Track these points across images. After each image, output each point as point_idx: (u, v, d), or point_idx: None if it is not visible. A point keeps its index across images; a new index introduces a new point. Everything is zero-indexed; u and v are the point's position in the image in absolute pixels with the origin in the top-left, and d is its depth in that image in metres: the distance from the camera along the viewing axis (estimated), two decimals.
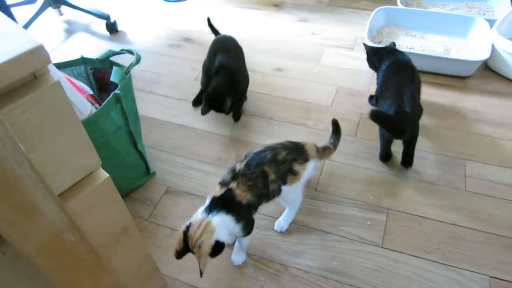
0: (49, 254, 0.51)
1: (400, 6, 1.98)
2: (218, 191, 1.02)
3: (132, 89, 1.30)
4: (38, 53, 0.45)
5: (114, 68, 1.23)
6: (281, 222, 1.21)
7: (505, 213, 1.20)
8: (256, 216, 1.11)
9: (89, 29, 2.27)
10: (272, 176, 1.06)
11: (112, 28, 2.18)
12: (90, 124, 1.09)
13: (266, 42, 2.02)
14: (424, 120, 1.52)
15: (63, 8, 2.40)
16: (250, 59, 1.89)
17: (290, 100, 1.66)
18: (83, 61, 1.36)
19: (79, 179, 0.57)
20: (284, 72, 1.81)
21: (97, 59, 1.33)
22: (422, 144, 1.43)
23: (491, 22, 1.76)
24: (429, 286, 1.05)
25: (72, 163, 0.56)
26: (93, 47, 2.11)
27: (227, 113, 1.50)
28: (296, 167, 1.09)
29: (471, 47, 1.79)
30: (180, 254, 0.97)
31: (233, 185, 1.01)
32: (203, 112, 1.48)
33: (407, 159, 1.35)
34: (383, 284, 1.06)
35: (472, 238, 1.15)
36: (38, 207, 0.45)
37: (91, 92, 1.21)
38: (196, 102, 1.67)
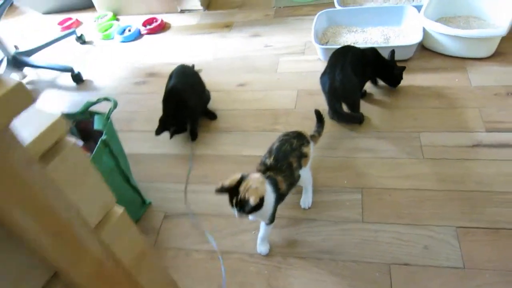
0: (95, 279, 0.64)
1: (338, 7, 2.18)
2: (259, 177, 1.14)
3: (115, 131, 1.43)
4: (60, 123, 0.59)
5: (96, 116, 1.35)
6: (305, 200, 1.39)
7: (460, 170, 1.40)
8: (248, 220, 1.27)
9: (55, 84, 2.37)
10: (295, 164, 1.24)
11: (78, 78, 2.28)
12: None
13: (225, 62, 2.18)
14: (379, 103, 1.72)
15: (26, 69, 2.48)
16: (214, 80, 2.06)
17: (258, 110, 1.82)
18: (64, 117, 1.47)
19: (103, 215, 0.71)
20: (247, 86, 1.97)
21: (77, 113, 1.45)
22: (380, 126, 1.62)
23: (419, 8, 1.98)
24: (407, 246, 1.22)
25: (96, 203, 0.70)
26: (64, 100, 2.22)
27: (171, 136, 1.69)
28: (305, 149, 1.29)
29: (406, 33, 2.01)
30: (221, 191, 1.11)
31: (271, 173, 1.19)
32: (157, 133, 1.68)
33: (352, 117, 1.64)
34: (369, 253, 1.23)
35: (436, 197, 1.33)
36: (84, 242, 0.59)
37: (81, 143, 1.33)
38: (158, 130, 1.74)
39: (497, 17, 1.90)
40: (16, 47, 2.57)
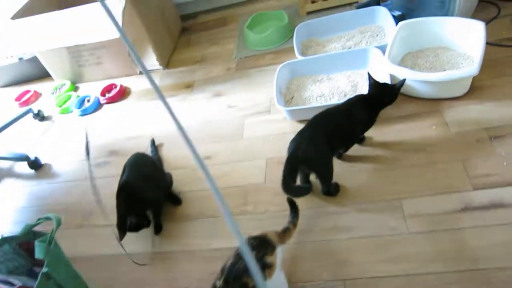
0: None
1: (299, 57, 2.06)
2: None
3: (62, 254, 1.27)
4: None
5: (36, 243, 1.20)
6: None
7: (451, 245, 1.24)
8: None
9: (12, 173, 2.21)
10: (251, 284, 1.05)
11: (35, 165, 2.13)
12: None
13: (189, 130, 1.99)
14: (354, 166, 1.58)
15: None
16: (177, 155, 1.91)
17: (226, 188, 1.67)
18: (4, 240, 1.32)
19: None
20: (212, 159, 1.82)
21: (19, 235, 1.30)
22: (358, 195, 1.47)
23: (383, 47, 1.86)
24: None
25: None
26: (23, 192, 2.06)
27: (125, 232, 1.50)
28: (269, 259, 1.10)
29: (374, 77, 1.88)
30: None
31: None
32: (121, 238, 1.48)
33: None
34: None
35: (427, 283, 1.17)
36: None
37: (19, 284, 1.17)
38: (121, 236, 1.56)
39: (467, 45, 1.78)
40: None
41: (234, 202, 1.60)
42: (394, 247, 1.29)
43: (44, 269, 1.13)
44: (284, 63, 2.01)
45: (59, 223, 1.26)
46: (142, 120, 2.24)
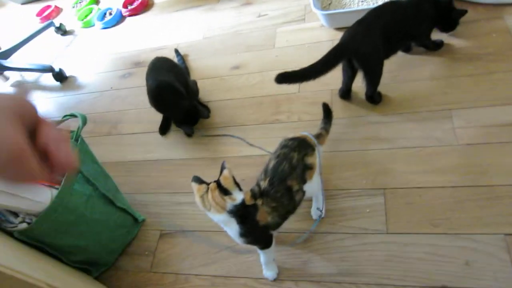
0: None
1: None
2: (248, 199, 0.94)
3: (89, 151, 1.23)
4: None
5: None
6: (314, 210, 1.16)
7: (505, 158, 1.12)
8: None
9: (39, 84, 2.17)
10: (296, 187, 0.99)
11: (60, 77, 2.07)
12: (56, 209, 1.03)
13: (216, 41, 1.90)
14: (396, 78, 1.43)
15: (7, 72, 2.30)
16: (204, 64, 1.81)
17: (256, 98, 1.57)
18: None
19: None
20: (242, 69, 1.70)
21: None
22: (403, 105, 1.34)
23: None
24: (444, 262, 0.99)
25: None
26: (49, 102, 2.02)
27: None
28: (310, 160, 1.02)
29: None
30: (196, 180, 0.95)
31: (259, 202, 0.95)
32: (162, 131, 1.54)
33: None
34: (398, 274, 1.01)
35: (477, 196, 1.08)
36: None
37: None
38: (163, 129, 1.59)
39: None
40: None
41: (266, 111, 1.50)
42: (440, 159, 1.18)
43: None
44: None
45: (84, 121, 1.20)
46: (166, 32, 2.11)
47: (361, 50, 1.24)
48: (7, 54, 2.20)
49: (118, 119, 1.75)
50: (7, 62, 2.15)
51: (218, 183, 0.92)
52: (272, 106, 1.51)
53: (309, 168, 1.01)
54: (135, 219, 1.35)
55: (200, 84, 1.67)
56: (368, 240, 1.09)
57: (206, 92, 1.66)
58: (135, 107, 1.76)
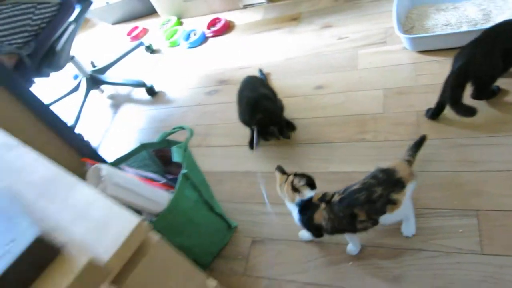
0: None
1: None
2: (316, 199, 1.15)
3: (194, 161, 1.36)
4: (141, 226, 0.50)
5: (173, 149, 1.29)
6: (409, 226, 1.21)
7: None
8: (344, 248, 1.23)
9: (131, 98, 2.39)
10: (362, 218, 1.08)
11: (151, 92, 2.28)
12: (171, 210, 1.17)
13: (298, 61, 2.02)
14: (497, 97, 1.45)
15: (103, 86, 2.55)
16: (287, 83, 1.92)
17: (341, 117, 1.65)
18: (143, 147, 1.44)
19: None
20: (326, 89, 1.80)
21: (155, 142, 1.41)
22: (496, 128, 1.35)
23: None
24: None
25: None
26: (141, 115, 2.22)
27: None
28: (395, 196, 1.08)
29: None
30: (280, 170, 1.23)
31: (322, 205, 1.12)
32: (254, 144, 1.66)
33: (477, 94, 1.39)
34: None
35: None
36: None
37: (163, 181, 1.29)
38: (252, 144, 1.71)
39: None
40: (92, 63, 2.64)
41: (351, 130, 1.58)
42: None
43: (184, 170, 1.22)
44: None
45: (192, 133, 1.35)
46: (248, 52, 2.26)
47: (482, 73, 1.30)
48: (103, 70, 2.46)
49: (207, 132, 1.90)
50: (105, 77, 2.40)
51: (292, 183, 1.15)
52: (357, 125, 1.58)
53: (393, 203, 1.08)
54: (229, 225, 1.47)
55: (284, 102, 1.78)
56: (461, 259, 1.12)
57: (291, 110, 1.76)
58: (223, 121, 1.91)
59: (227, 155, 1.75)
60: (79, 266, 0.38)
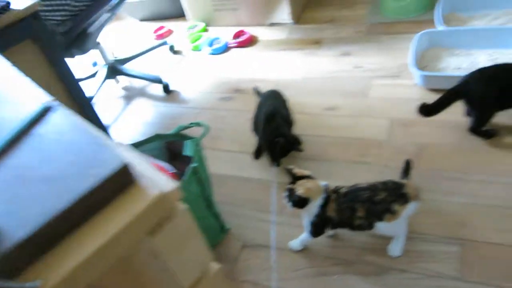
0: None
1: (440, 27, 2.01)
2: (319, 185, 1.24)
3: (204, 158, 1.44)
4: (175, 192, 0.56)
5: (187, 142, 1.37)
6: (393, 247, 1.29)
7: None
8: (333, 261, 1.26)
9: (144, 92, 2.48)
10: (360, 214, 1.18)
11: (166, 89, 2.37)
12: None
13: (313, 82, 2.12)
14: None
15: (119, 77, 2.64)
16: (299, 101, 2.00)
17: (346, 139, 1.73)
18: (158, 137, 1.52)
19: (200, 274, 0.69)
20: (336, 111, 1.89)
21: (170, 134, 1.49)
22: (487, 167, 1.45)
23: None
24: None
25: (195, 264, 0.68)
26: (152, 110, 2.31)
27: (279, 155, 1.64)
28: (396, 207, 1.17)
29: None
30: (288, 172, 1.27)
31: (331, 195, 1.23)
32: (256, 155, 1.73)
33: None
34: None
35: None
36: None
37: (174, 171, 1.36)
38: (257, 154, 1.79)
39: None
40: (113, 54, 2.74)
41: (354, 152, 1.66)
42: None
43: (194, 164, 1.30)
44: (425, 30, 1.98)
45: (208, 130, 1.43)
46: (267, 67, 2.36)
47: (471, 93, 1.48)
48: (125, 61, 2.56)
49: (216, 135, 1.97)
50: (125, 68, 2.50)
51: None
52: (361, 149, 1.67)
53: (391, 212, 1.16)
54: (222, 227, 1.52)
55: (295, 118, 1.87)
56: (442, 283, 1.19)
57: (300, 125, 1.85)
58: (233, 127, 1.99)
59: (232, 159, 1.82)
60: (151, 196, 0.46)
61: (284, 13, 2.62)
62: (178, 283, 0.59)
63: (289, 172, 1.27)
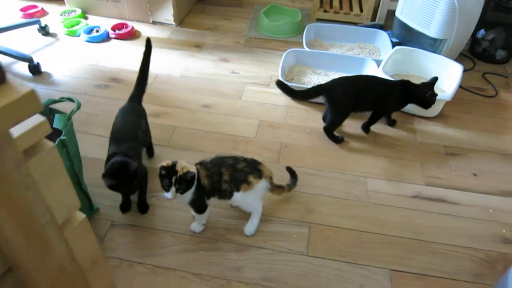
0: (55, 278, 0.63)
1: (306, 48, 2.31)
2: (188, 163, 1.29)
3: (75, 133, 1.39)
4: (43, 125, 0.58)
5: (57, 115, 1.31)
6: (248, 227, 1.42)
7: (399, 218, 1.52)
8: (199, 239, 1.29)
9: (10, 71, 2.25)
10: (226, 178, 1.30)
11: (35, 70, 2.19)
12: None
13: (191, 80, 2.21)
14: (334, 146, 1.83)
15: None
16: (178, 96, 2.07)
17: (219, 134, 1.86)
18: None
19: (68, 217, 0.70)
20: (211, 109, 2.01)
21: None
22: (334, 166, 1.72)
23: (378, 62, 2.16)
24: (346, 283, 1.30)
25: (63, 205, 0.69)
26: None
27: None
28: (251, 179, 1.32)
29: None
30: (166, 170, 1.24)
31: (197, 166, 1.31)
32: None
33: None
34: (311, 286, 1.28)
35: (374, 240, 1.43)
36: (51, 240, 0.58)
37: None
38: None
39: (445, 82, 2.11)
40: None
41: (225, 146, 1.79)
42: (354, 209, 1.54)
43: (63, 137, 1.25)
44: (292, 49, 2.26)
45: (79, 106, 1.39)
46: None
47: (332, 91, 1.77)
48: None
49: (87, 120, 1.90)
50: None
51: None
52: (231, 143, 1.81)
53: (247, 183, 1.32)
54: (91, 206, 1.48)
55: (171, 111, 1.93)
56: (291, 258, 1.36)
57: (177, 118, 1.92)
58: (106, 114, 1.94)
59: (103, 144, 1.76)
60: (22, 91, 0.47)
61: (168, 14, 2.67)
62: (54, 217, 0.60)
63: (166, 169, 1.23)
